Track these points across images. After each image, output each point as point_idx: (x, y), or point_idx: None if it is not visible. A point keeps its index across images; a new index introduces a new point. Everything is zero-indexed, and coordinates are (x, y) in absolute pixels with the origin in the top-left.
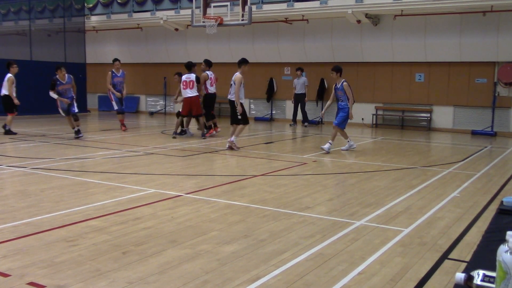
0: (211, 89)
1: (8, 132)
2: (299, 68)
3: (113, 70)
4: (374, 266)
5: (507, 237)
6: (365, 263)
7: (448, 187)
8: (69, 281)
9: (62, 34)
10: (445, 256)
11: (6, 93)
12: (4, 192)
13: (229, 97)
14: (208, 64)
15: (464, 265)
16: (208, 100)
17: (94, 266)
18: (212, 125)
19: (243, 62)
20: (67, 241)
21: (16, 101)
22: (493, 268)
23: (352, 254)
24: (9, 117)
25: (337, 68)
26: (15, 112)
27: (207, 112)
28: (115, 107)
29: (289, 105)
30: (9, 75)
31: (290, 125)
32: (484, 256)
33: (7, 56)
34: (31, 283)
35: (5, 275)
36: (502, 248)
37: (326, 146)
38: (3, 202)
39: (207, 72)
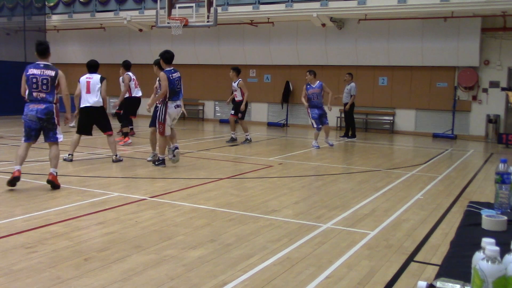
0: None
1: None
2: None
3: None
4: (341, 270)
5: (482, 244)
6: (332, 267)
7: (412, 190)
8: None
9: (22, 33)
10: (411, 258)
11: None
12: None
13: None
14: (127, 66)
15: (429, 267)
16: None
17: (54, 273)
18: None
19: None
20: (26, 248)
21: None
22: (459, 278)
23: (319, 258)
24: None
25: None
26: None
27: (127, 117)
28: None
29: (255, 107)
30: None
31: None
32: (452, 265)
33: None
34: None
35: None
36: (478, 255)
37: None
38: None
39: (129, 73)
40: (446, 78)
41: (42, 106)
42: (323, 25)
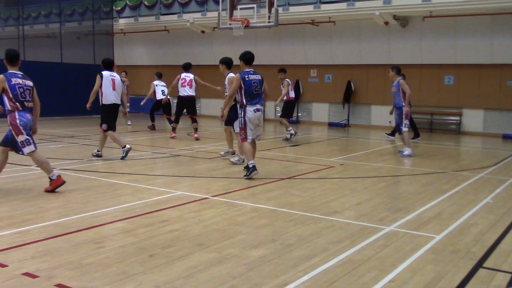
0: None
1: None
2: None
3: None
4: (405, 274)
5: None
6: (396, 271)
7: (480, 193)
8: (96, 284)
9: (91, 37)
10: (479, 264)
11: None
12: (33, 193)
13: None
14: (185, 67)
15: (499, 274)
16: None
17: (121, 268)
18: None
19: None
20: (95, 243)
21: None
22: None
23: (382, 261)
24: None
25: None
26: None
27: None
28: None
29: (316, 108)
30: None
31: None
32: None
33: (38, 59)
34: (58, 285)
35: (33, 276)
36: None
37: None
38: (33, 203)
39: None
40: None
41: (32, 116)
42: (386, 23)
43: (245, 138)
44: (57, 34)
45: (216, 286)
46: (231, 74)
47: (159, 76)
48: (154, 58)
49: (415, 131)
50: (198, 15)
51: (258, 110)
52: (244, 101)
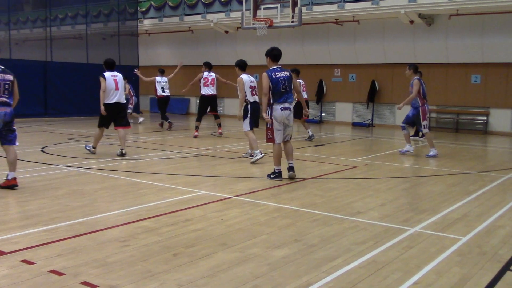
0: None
1: None
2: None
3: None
4: (430, 276)
5: None
6: (420, 272)
7: (508, 194)
8: (121, 282)
9: (116, 38)
10: (507, 267)
11: None
12: (60, 192)
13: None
14: (208, 66)
15: None
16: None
17: (145, 267)
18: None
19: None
20: (120, 241)
21: None
22: None
23: (406, 263)
24: None
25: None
26: None
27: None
28: None
29: (340, 107)
30: None
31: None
32: None
33: (65, 59)
34: (84, 283)
35: (59, 273)
36: None
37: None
38: (59, 201)
39: (204, 72)
40: None
41: (8, 109)
42: (411, 22)
43: (272, 140)
44: (83, 35)
45: (239, 286)
46: (242, 76)
47: (162, 72)
48: (178, 58)
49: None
50: (222, 15)
51: (285, 108)
52: (271, 99)
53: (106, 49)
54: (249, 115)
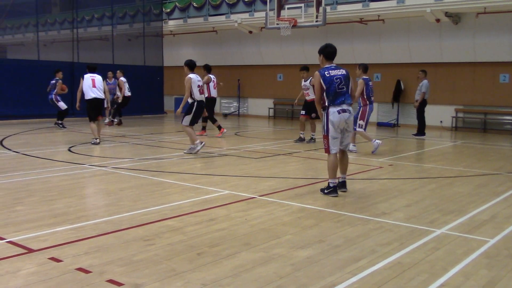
0: (214, 93)
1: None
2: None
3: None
4: (457, 278)
5: None
6: (447, 275)
7: None
8: (146, 280)
9: (141, 39)
10: None
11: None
12: (86, 191)
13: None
14: (208, 69)
15: None
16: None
17: (170, 266)
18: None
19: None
20: (145, 240)
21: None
22: None
23: (433, 264)
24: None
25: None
26: None
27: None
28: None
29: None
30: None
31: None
32: None
33: (92, 61)
34: (110, 281)
35: (86, 271)
36: None
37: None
38: (86, 200)
39: (210, 75)
40: None
41: None
42: (437, 20)
43: (327, 150)
44: (109, 36)
45: (263, 286)
46: (190, 75)
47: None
48: (202, 58)
49: (422, 129)
50: (246, 15)
51: (344, 111)
52: (326, 101)
53: (132, 50)
54: (192, 112)
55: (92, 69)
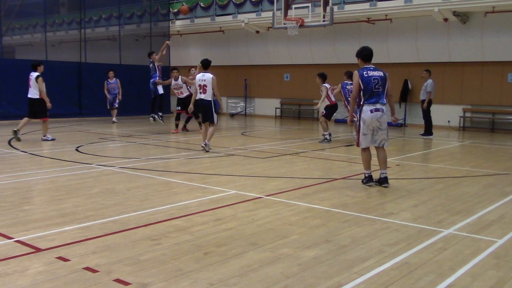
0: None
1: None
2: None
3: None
4: (465, 279)
5: None
6: (455, 275)
7: None
8: (153, 280)
9: (148, 39)
10: None
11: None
12: (94, 190)
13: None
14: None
15: None
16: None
17: (176, 265)
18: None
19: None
20: (152, 240)
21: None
22: None
23: (440, 265)
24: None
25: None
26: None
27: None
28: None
29: None
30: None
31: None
32: None
33: (99, 60)
34: (117, 280)
35: (94, 270)
36: None
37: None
38: (93, 200)
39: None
40: None
41: None
42: (445, 20)
43: (358, 143)
44: (117, 36)
45: (270, 286)
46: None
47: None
48: (209, 58)
49: (429, 128)
50: (253, 15)
51: (377, 110)
52: (362, 99)
53: (139, 50)
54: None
55: (33, 66)
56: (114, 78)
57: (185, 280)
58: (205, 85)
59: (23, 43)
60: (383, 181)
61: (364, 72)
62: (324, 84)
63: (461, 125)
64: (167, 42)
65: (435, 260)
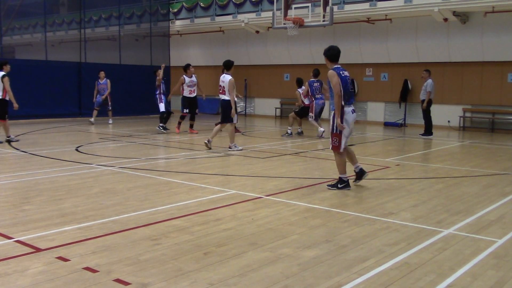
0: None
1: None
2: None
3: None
4: (464, 279)
5: None
6: (454, 275)
7: None
8: (153, 280)
9: (148, 39)
10: None
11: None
12: (93, 190)
13: None
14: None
15: None
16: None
17: (176, 265)
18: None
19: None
20: (151, 240)
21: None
22: None
23: (440, 265)
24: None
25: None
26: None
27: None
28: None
29: (371, 107)
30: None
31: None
32: None
33: (99, 61)
34: (117, 280)
35: (93, 270)
36: None
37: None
38: (93, 200)
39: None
40: None
41: None
42: (445, 19)
43: (338, 147)
44: (117, 36)
45: (269, 286)
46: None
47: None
48: (209, 58)
49: (429, 128)
50: (253, 15)
51: (354, 111)
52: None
53: (139, 50)
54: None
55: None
56: (105, 79)
57: (185, 280)
58: (223, 86)
59: (23, 43)
60: (363, 172)
61: (341, 72)
62: (298, 90)
63: (461, 125)
64: (162, 65)
65: (435, 260)
